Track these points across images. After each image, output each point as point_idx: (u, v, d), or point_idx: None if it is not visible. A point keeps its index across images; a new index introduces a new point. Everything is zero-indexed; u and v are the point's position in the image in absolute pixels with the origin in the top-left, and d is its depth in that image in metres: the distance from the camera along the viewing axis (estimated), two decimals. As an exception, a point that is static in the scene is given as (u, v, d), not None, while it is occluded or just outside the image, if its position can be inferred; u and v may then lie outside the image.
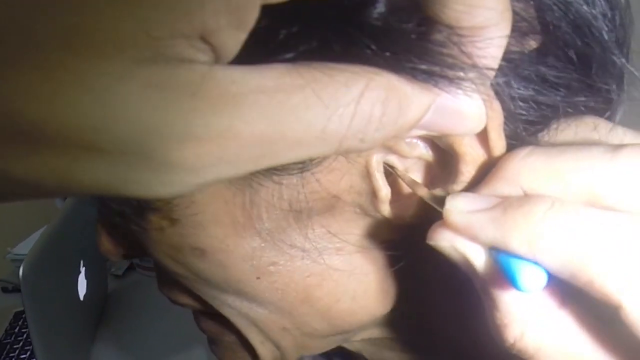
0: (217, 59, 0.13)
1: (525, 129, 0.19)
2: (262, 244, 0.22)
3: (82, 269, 0.90)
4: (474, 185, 0.19)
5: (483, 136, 0.18)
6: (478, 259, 0.17)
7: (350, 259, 0.23)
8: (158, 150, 0.13)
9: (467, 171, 0.19)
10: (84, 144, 0.12)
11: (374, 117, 0.14)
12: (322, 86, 0.14)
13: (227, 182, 0.21)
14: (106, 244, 0.28)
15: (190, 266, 0.23)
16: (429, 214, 0.19)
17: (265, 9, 0.13)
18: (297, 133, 0.14)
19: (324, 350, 0.28)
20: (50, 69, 0.12)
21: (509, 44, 0.16)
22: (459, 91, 0.16)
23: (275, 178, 0.21)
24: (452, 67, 0.16)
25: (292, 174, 0.20)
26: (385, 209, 0.21)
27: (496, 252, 0.17)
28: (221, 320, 0.27)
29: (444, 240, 0.18)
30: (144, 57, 0.12)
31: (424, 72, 0.15)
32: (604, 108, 0.21)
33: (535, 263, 0.16)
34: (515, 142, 0.19)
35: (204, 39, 0.13)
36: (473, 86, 0.16)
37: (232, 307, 0.25)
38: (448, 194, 0.18)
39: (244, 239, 0.22)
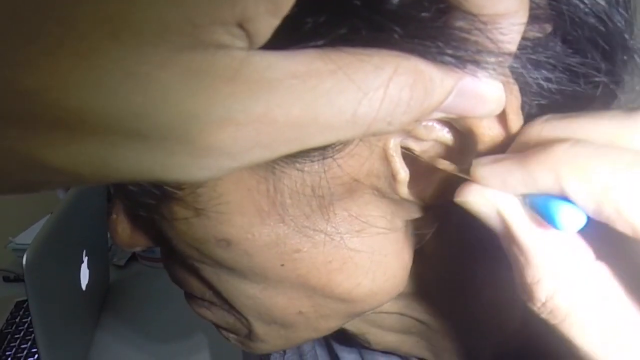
0: (251, 45, 0.13)
1: (540, 113, 0.20)
2: (287, 231, 0.23)
3: (85, 259, 0.90)
4: None
5: (501, 118, 0.19)
6: (509, 207, 0.17)
7: (370, 241, 0.23)
8: (197, 135, 0.13)
9: (485, 152, 0.20)
10: (124, 130, 0.13)
11: (402, 101, 0.15)
12: (353, 70, 0.14)
13: (250, 170, 0.21)
14: (123, 235, 0.28)
15: (214, 256, 0.24)
16: (447, 194, 0.19)
17: None
18: (329, 117, 0.14)
19: (333, 331, 0.29)
20: (93, 57, 0.12)
21: (525, 29, 0.16)
22: (481, 75, 0.16)
23: (298, 165, 0.21)
24: (475, 52, 0.16)
25: (314, 161, 0.21)
26: (404, 191, 0.22)
27: (529, 198, 0.17)
28: (218, 302, 0.27)
29: (474, 194, 0.18)
30: (184, 45, 0.12)
31: (449, 56, 0.16)
32: (615, 93, 0.22)
33: (566, 199, 0.16)
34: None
35: (240, 25, 0.13)
36: (493, 70, 0.16)
37: (249, 296, 0.26)
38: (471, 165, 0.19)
39: (269, 227, 0.22)
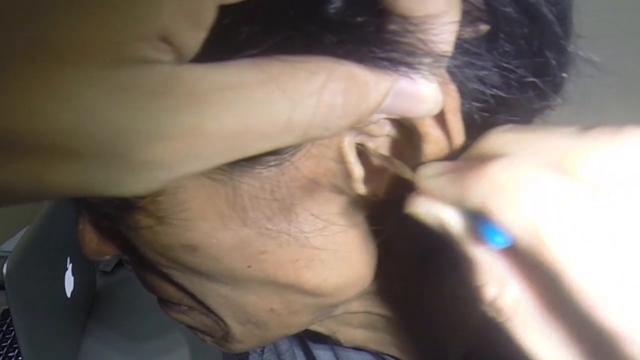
0: (180, 59, 0.14)
1: (480, 112, 0.20)
2: (250, 234, 0.23)
3: (69, 266, 0.89)
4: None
5: (441, 118, 0.19)
6: (451, 220, 0.18)
7: (333, 238, 0.24)
8: (128, 150, 0.13)
9: (431, 149, 0.20)
10: (56, 149, 0.13)
11: (337, 106, 0.15)
12: (286, 79, 0.14)
13: (208, 177, 0.21)
14: (90, 245, 0.29)
15: (181, 261, 0.24)
16: (402, 189, 0.20)
17: (227, 8, 0.14)
18: (264, 126, 0.14)
19: (306, 327, 0.29)
20: (15, 79, 0.12)
21: (460, 30, 0.17)
22: (416, 76, 0.17)
23: (255, 171, 0.21)
24: (408, 54, 0.16)
25: (271, 166, 0.21)
26: (360, 188, 0.22)
27: (467, 211, 0.17)
28: (196, 306, 0.28)
29: (419, 206, 0.18)
30: (108, 61, 0.13)
31: (383, 59, 0.16)
32: (553, 91, 0.22)
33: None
34: (469, 126, 0.20)
35: (165, 40, 0.13)
36: (429, 71, 0.17)
37: (220, 296, 0.26)
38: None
39: (232, 231, 0.23)
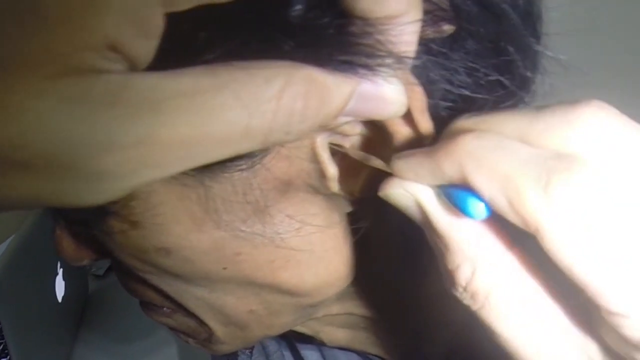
0: (133, 67, 0.14)
1: (449, 110, 0.20)
2: (224, 236, 0.23)
3: (60, 270, 0.89)
4: None
5: (409, 118, 0.19)
6: (426, 197, 0.18)
7: (310, 238, 0.24)
8: (80, 161, 0.13)
9: (402, 147, 0.20)
10: (6, 161, 0.13)
11: (297, 110, 0.15)
12: (242, 85, 0.14)
13: (180, 181, 0.21)
14: (68, 251, 0.29)
15: (157, 265, 0.24)
16: (377, 187, 0.20)
17: (185, 14, 0.14)
18: (221, 133, 0.14)
19: (288, 329, 0.29)
20: None
21: (425, 30, 0.17)
22: (379, 78, 0.17)
23: (226, 175, 0.21)
24: (369, 55, 0.16)
25: (242, 169, 0.21)
26: (335, 187, 0.22)
27: (442, 187, 0.18)
28: (178, 309, 0.28)
29: (393, 187, 0.19)
30: (54, 72, 0.13)
31: (344, 62, 0.16)
32: (521, 90, 0.22)
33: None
34: (438, 124, 0.20)
35: (113, 49, 0.13)
36: (392, 72, 0.17)
37: (198, 298, 0.26)
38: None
39: (206, 233, 0.23)
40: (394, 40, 0.16)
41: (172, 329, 0.31)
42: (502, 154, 0.16)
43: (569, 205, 0.15)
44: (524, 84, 0.22)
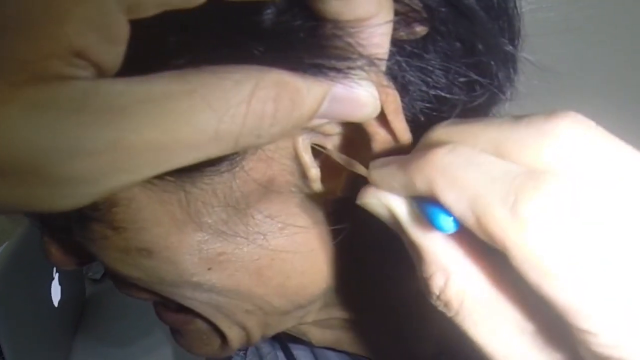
0: (101, 73, 0.14)
1: (426, 111, 0.20)
2: (206, 237, 0.23)
3: (56, 275, 0.89)
4: None
5: (384, 119, 0.19)
6: (400, 208, 0.18)
7: (293, 238, 0.24)
8: (50, 167, 0.13)
9: (380, 148, 0.20)
10: None
11: (267, 114, 0.15)
12: (211, 89, 0.14)
13: (159, 185, 0.21)
14: (57, 256, 0.29)
15: (141, 267, 0.24)
16: (358, 186, 0.20)
17: (155, 19, 0.14)
18: (190, 137, 0.14)
19: (285, 328, 0.29)
20: None
21: (398, 32, 0.17)
22: (351, 80, 0.17)
23: (206, 179, 0.21)
24: (340, 58, 0.16)
25: (222, 172, 0.21)
26: (317, 186, 0.22)
27: (415, 199, 0.18)
28: (185, 310, 0.28)
29: (369, 196, 0.19)
30: (20, 80, 0.13)
31: (315, 65, 0.16)
32: (498, 90, 0.22)
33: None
34: (416, 125, 0.20)
35: (79, 55, 0.13)
36: (364, 74, 0.17)
37: (192, 299, 0.26)
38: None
39: (188, 235, 0.23)
40: (365, 43, 0.16)
41: (184, 331, 0.31)
42: (471, 171, 0.16)
43: (535, 224, 0.15)
44: (500, 84, 0.22)
